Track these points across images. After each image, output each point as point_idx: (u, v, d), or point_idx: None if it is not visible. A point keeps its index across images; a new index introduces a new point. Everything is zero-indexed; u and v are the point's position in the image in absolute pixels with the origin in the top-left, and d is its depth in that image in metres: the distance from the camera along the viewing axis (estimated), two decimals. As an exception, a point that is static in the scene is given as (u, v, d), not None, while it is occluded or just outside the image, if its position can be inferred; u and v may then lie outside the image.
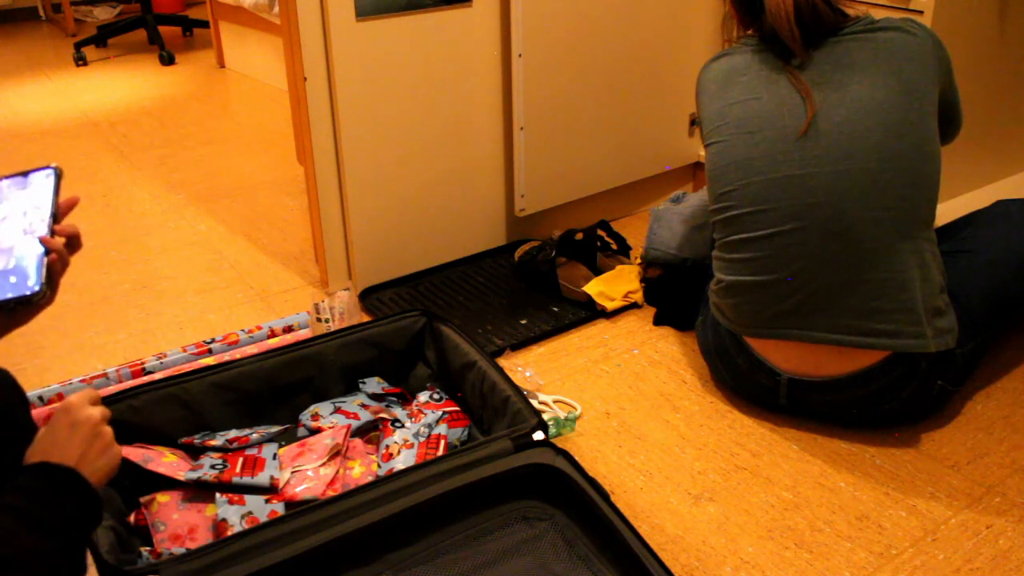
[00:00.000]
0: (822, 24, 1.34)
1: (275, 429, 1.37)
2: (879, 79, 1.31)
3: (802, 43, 1.34)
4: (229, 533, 1.15)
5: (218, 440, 1.31)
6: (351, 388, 1.48)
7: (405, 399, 1.46)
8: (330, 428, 1.35)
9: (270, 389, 1.40)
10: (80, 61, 3.79)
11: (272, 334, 1.69)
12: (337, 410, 1.40)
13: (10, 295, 0.92)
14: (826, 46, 1.34)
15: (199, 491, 1.23)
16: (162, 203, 2.41)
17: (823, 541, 1.23)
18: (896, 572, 1.18)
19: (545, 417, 1.42)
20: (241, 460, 1.26)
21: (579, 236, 1.93)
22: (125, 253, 2.13)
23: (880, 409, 1.40)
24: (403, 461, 1.29)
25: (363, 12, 1.65)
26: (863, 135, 1.30)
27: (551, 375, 1.62)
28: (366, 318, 1.80)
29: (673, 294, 1.79)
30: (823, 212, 1.31)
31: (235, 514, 1.18)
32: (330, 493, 1.23)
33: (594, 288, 1.80)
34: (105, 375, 1.55)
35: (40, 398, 1.46)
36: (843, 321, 1.33)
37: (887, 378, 1.35)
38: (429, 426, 1.35)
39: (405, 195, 1.85)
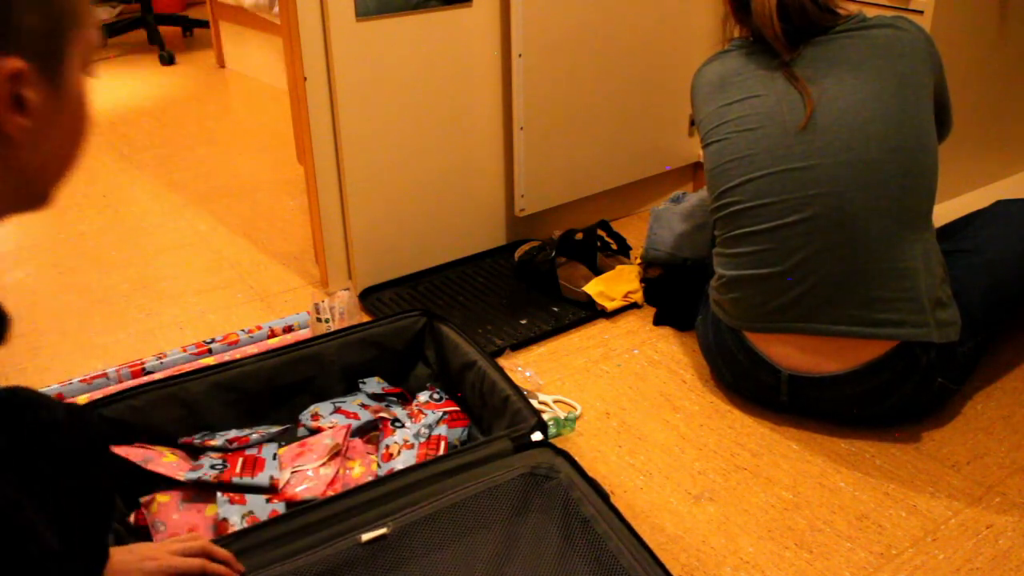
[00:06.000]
0: (810, 23, 1.35)
1: (275, 429, 1.37)
2: (874, 74, 1.32)
3: (786, 43, 1.35)
4: (230, 532, 1.15)
5: (218, 440, 1.31)
6: (351, 388, 1.48)
7: (405, 399, 1.46)
8: (330, 428, 1.35)
9: (270, 389, 1.40)
10: (80, 61, 3.79)
11: (272, 334, 1.69)
12: (337, 410, 1.40)
13: None
14: (818, 44, 1.35)
15: (199, 491, 1.23)
16: (162, 203, 2.41)
17: (823, 541, 1.23)
18: (896, 572, 1.18)
19: (545, 417, 1.42)
20: (241, 460, 1.26)
21: (579, 236, 1.93)
22: (125, 253, 2.13)
23: (880, 406, 1.40)
24: (403, 461, 1.29)
25: (363, 12, 1.65)
26: (862, 126, 1.30)
27: (551, 375, 1.61)
28: (366, 318, 1.80)
29: (673, 294, 1.79)
30: (826, 203, 1.31)
31: (236, 513, 1.18)
32: (330, 493, 1.23)
33: (594, 288, 1.80)
34: (105, 375, 1.55)
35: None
36: (846, 312, 1.33)
37: (888, 373, 1.35)
38: (429, 426, 1.35)
39: (405, 195, 1.85)
